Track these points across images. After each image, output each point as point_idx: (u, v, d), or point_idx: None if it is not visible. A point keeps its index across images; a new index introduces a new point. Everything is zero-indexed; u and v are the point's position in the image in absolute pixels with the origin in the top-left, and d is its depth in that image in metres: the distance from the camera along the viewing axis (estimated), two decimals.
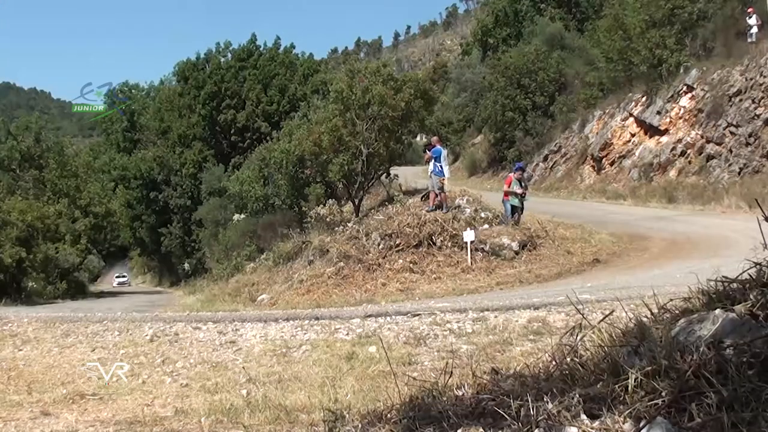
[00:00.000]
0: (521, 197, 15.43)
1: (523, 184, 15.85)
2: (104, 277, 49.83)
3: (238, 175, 28.22)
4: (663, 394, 1.94)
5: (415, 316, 7.74)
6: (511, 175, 15.94)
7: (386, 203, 19.95)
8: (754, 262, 2.39)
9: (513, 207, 15.37)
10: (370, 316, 8.12)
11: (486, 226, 15.36)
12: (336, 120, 19.91)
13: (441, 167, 15.71)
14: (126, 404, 5.30)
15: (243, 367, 6.25)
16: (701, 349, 2.02)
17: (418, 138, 27.49)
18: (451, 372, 2.84)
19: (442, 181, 15.79)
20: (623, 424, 1.93)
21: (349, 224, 17.21)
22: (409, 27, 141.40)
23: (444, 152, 16.46)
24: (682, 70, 23.15)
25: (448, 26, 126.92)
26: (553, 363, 2.56)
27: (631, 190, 22.88)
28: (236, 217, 28.71)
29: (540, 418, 2.05)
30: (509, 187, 15.50)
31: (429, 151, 16.08)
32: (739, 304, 2.22)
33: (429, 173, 16.08)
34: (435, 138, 17.06)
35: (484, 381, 2.72)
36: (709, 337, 2.09)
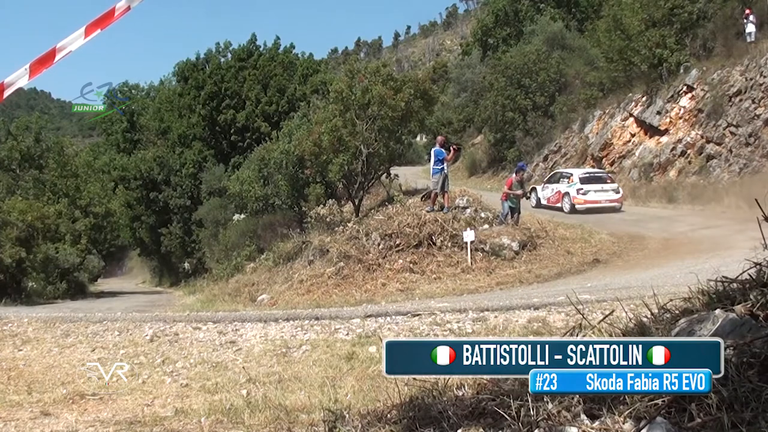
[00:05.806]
0: (519, 199, 15.51)
1: (523, 186, 15.89)
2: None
3: (238, 175, 28.14)
4: (663, 394, 1.94)
5: (415, 316, 7.75)
6: (512, 177, 15.95)
7: (386, 203, 19.93)
8: (754, 262, 2.39)
9: (511, 208, 15.43)
10: (370, 316, 8.12)
11: (486, 226, 15.37)
12: (336, 120, 19.89)
13: (445, 167, 15.73)
14: (126, 404, 5.30)
15: (243, 367, 6.25)
16: None
17: (418, 138, 27.47)
18: None
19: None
20: (623, 424, 1.93)
21: (349, 224, 17.18)
22: (409, 27, 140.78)
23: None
24: (682, 70, 23.14)
25: (448, 26, 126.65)
26: None
27: (631, 190, 22.86)
28: (236, 217, 28.68)
29: (540, 418, 2.05)
30: (510, 188, 15.54)
31: (453, 150, 15.86)
32: (739, 304, 2.22)
33: (444, 172, 15.74)
34: (441, 138, 17.06)
35: (484, 381, 2.72)
36: (709, 337, 2.08)
